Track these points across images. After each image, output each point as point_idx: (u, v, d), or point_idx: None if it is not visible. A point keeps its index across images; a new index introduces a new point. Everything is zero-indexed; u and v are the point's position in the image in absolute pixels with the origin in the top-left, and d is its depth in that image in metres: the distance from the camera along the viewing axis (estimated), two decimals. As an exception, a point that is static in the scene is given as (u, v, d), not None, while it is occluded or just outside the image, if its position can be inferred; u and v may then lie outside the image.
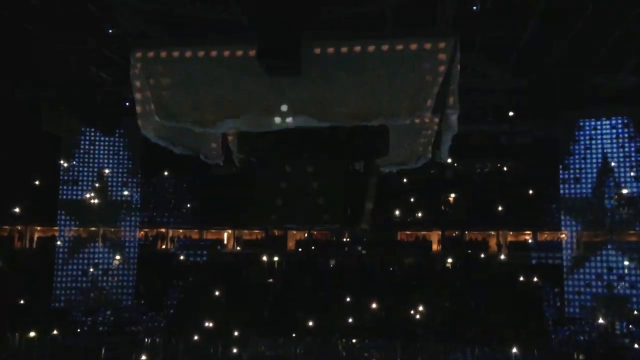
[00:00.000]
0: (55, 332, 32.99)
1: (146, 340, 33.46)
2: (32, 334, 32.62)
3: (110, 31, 14.65)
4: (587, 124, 28.26)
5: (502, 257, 39.00)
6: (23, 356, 31.90)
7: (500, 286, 35.88)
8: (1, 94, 21.65)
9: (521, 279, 36.40)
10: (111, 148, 31.34)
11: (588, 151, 28.35)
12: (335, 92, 10.07)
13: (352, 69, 10.12)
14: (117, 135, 31.20)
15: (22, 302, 35.23)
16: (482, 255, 39.33)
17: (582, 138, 28.43)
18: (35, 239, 42.20)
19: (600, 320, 29.53)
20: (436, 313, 35.08)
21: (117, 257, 31.82)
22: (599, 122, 28.09)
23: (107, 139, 31.06)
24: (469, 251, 38.75)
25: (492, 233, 41.07)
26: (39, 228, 41.68)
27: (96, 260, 31.89)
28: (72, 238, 32.12)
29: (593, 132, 28.17)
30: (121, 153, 31.44)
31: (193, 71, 10.69)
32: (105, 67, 14.32)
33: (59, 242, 32.12)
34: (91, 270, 31.65)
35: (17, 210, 40.19)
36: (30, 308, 33.90)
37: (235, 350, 33.02)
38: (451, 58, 9.73)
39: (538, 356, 30.65)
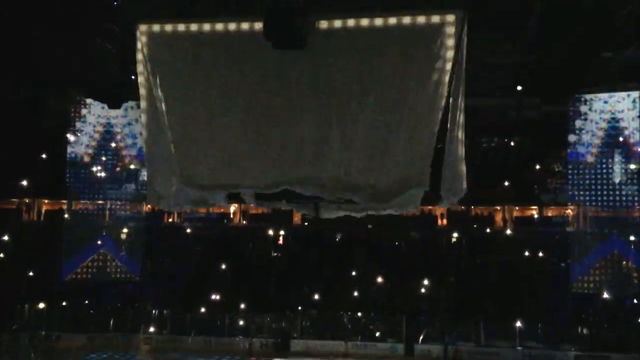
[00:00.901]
0: (64, 303, 33.43)
1: (154, 312, 33.85)
2: (41, 305, 33.07)
3: (115, 3, 14.55)
4: (596, 99, 27.98)
5: (508, 232, 38.97)
6: (33, 327, 32.39)
7: (506, 261, 35.97)
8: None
9: (527, 254, 36.44)
10: (118, 121, 31.28)
11: (596, 126, 28.12)
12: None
13: (360, 46, 10.02)
14: (123, 108, 31.14)
15: (31, 274, 35.62)
16: (488, 230, 39.32)
17: (590, 113, 28.17)
18: (43, 212, 42.46)
19: (606, 295, 29.60)
20: (441, 287, 35.26)
21: (125, 230, 31.99)
22: (608, 98, 27.80)
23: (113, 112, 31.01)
24: (475, 226, 38.71)
25: (498, 208, 40.99)
26: (46, 201, 41.90)
27: (104, 234, 32.08)
28: (80, 211, 32.30)
29: (602, 107, 27.90)
30: (128, 126, 31.39)
31: (200, 51, 10.62)
32: (110, 39, 14.23)
33: (66, 216, 32.32)
34: (99, 243, 31.87)
35: (24, 183, 40.38)
36: (40, 280, 34.29)
37: (241, 323, 33.38)
38: (460, 32, 9.60)
39: (543, 330, 30.85)
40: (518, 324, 30.95)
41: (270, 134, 10.57)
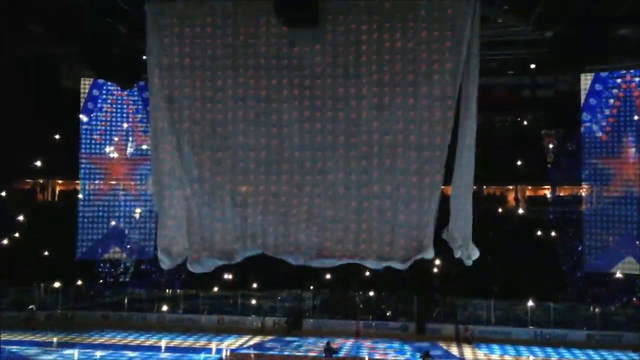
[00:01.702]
0: (79, 282, 33.85)
1: (167, 291, 34.18)
2: (56, 284, 33.51)
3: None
4: (611, 76, 27.62)
5: (520, 211, 38.86)
6: (49, 306, 32.89)
7: (518, 240, 35.89)
8: (19, 51, 21.65)
9: (539, 233, 36.33)
10: (130, 101, 31.33)
11: (611, 104, 27.80)
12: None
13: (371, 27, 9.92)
14: (135, 88, 31.15)
15: (46, 253, 36.06)
16: (500, 210, 39.21)
17: (605, 91, 27.83)
18: (57, 192, 42.83)
19: (618, 274, 29.50)
20: (452, 266, 35.24)
21: (138, 210, 32.18)
22: (623, 75, 27.42)
23: (125, 92, 31.04)
24: (487, 205, 38.59)
25: (510, 188, 40.83)
26: (60, 181, 42.24)
27: (117, 214, 32.29)
28: (94, 192, 32.50)
29: (617, 84, 27.55)
30: (140, 106, 31.42)
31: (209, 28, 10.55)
32: (122, 20, 14.19)
33: (80, 196, 32.53)
34: (112, 223, 32.09)
35: (38, 164, 40.72)
36: (55, 260, 34.70)
37: (254, 302, 33.63)
38: (473, 13, 9.48)
39: (554, 309, 30.86)
40: (529, 303, 30.97)
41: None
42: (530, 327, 30.52)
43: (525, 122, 41.36)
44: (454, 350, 28.37)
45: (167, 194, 11.22)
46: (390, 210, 10.34)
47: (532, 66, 24.46)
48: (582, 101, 27.93)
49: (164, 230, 11.73)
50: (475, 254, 10.82)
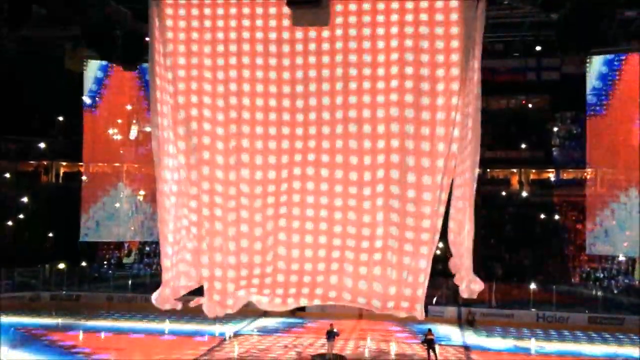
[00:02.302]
0: (83, 263, 34.05)
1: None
2: (61, 265, 33.72)
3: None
4: (617, 59, 27.43)
5: (524, 194, 38.86)
6: (54, 287, 33.12)
7: (521, 223, 35.95)
8: (23, 34, 21.57)
9: (542, 216, 36.37)
10: (133, 83, 31.30)
11: (617, 87, 27.64)
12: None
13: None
14: (138, 70, 31.10)
15: (50, 235, 36.27)
16: (504, 193, 39.22)
17: (611, 74, 27.66)
18: (61, 174, 42.94)
19: (621, 257, 29.57)
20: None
21: (142, 192, 32.28)
22: (629, 58, 27.23)
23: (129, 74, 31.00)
24: (490, 188, 38.61)
25: (515, 171, 40.79)
26: (64, 163, 42.32)
27: (121, 195, 32.41)
28: (97, 174, 32.60)
29: (623, 68, 27.37)
30: (144, 88, 31.39)
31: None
32: (124, 1, 14.09)
33: (84, 178, 32.65)
34: (117, 205, 32.23)
35: (42, 146, 40.81)
36: (59, 241, 34.90)
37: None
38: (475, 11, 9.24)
39: (557, 292, 30.94)
40: (532, 285, 31.06)
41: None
42: (533, 309, 30.63)
43: (530, 105, 41.21)
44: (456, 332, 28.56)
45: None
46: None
47: (538, 48, 24.26)
48: (588, 84, 27.80)
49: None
50: (479, 287, 9.81)
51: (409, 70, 9.06)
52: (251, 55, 10.20)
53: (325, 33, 9.71)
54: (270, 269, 9.36)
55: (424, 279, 9.04)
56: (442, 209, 9.13)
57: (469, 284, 10.14)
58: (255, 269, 9.41)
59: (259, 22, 10.15)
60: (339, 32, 9.53)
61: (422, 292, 9.00)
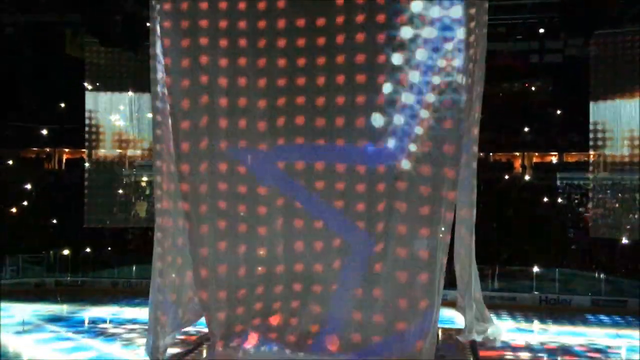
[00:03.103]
0: (87, 249, 34.12)
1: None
2: (65, 251, 33.80)
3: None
4: (620, 40, 27.19)
5: (527, 178, 38.79)
6: (58, 273, 33.23)
7: (524, 207, 35.91)
8: (25, 19, 21.58)
9: (545, 199, 36.32)
10: (135, 69, 31.14)
11: (620, 70, 27.42)
12: None
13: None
14: (139, 55, 30.94)
15: (54, 221, 36.35)
16: (507, 177, 39.13)
17: (614, 56, 27.43)
18: (64, 161, 42.98)
19: (624, 241, 29.58)
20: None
21: (144, 178, 32.34)
22: (631, 40, 26.99)
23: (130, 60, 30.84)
24: (493, 172, 38.51)
25: (517, 154, 40.69)
26: (67, 150, 42.35)
27: (124, 182, 32.47)
28: (100, 160, 32.62)
29: (627, 49, 27.14)
30: (145, 74, 31.24)
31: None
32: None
33: (87, 164, 32.69)
34: (120, 191, 32.29)
35: (44, 132, 40.80)
36: (63, 227, 34.99)
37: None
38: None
39: (559, 275, 30.95)
40: (535, 268, 31.06)
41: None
42: (536, 292, 30.67)
43: (533, 88, 40.99)
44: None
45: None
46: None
47: (541, 31, 24.14)
48: (592, 66, 27.62)
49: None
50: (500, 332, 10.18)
51: None
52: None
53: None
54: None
55: None
56: None
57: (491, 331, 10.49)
58: None
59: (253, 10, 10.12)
60: None
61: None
